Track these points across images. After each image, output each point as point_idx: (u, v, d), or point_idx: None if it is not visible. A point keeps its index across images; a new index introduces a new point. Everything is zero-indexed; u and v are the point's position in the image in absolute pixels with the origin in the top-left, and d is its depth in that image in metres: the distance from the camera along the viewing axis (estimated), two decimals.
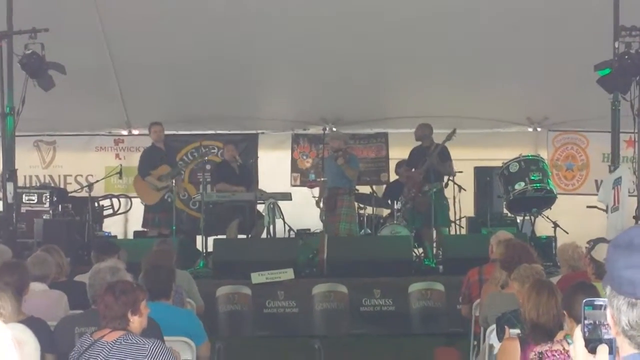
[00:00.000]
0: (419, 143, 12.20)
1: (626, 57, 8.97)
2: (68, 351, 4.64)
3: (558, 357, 4.06)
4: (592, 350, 1.90)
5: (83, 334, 4.76)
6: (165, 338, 5.07)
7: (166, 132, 13.00)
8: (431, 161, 11.62)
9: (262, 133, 14.57)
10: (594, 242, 6.91)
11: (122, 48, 12.17)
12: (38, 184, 13.92)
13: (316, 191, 12.53)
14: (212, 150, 13.15)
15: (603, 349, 1.89)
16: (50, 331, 5.28)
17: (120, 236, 13.26)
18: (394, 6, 11.22)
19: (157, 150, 12.37)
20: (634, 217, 9.07)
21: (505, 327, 5.13)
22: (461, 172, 12.63)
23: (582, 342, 1.92)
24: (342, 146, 11.79)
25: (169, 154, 12.48)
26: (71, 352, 4.56)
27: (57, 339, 5.21)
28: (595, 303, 1.94)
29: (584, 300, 1.95)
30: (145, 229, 12.35)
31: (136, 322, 4.61)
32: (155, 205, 12.07)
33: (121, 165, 13.63)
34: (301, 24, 11.58)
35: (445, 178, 12.06)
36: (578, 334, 1.95)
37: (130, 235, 13.47)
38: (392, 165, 13.99)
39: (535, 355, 4.15)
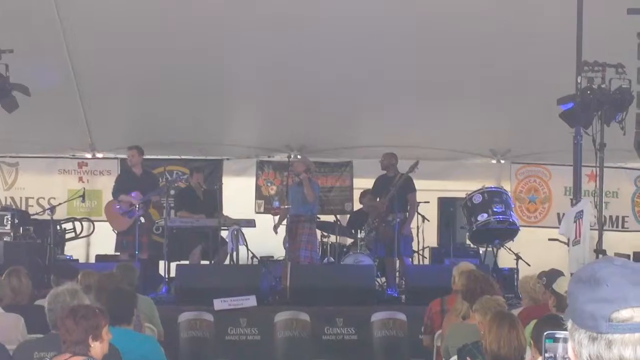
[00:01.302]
0: (384, 172, 12.27)
1: (588, 92, 9.07)
2: None
3: None
4: None
5: (42, 359, 4.70)
6: None
7: None
8: (395, 191, 11.69)
9: (227, 159, 14.56)
10: (547, 275, 6.98)
11: (87, 71, 12.11)
12: None
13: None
14: (183, 177, 13.01)
15: None
16: (8, 355, 5.21)
17: (82, 260, 13.13)
18: (359, 36, 11.30)
19: (130, 175, 12.27)
20: (595, 251, 9.14)
21: (467, 358, 5.15)
22: (427, 202, 12.72)
23: None
24: (304, 169, 11.84)
25: (145, 179, 12.24)
26: None
27: None
28: (557, 336, 1.95)
29: (545, 333, 1.97)
30: (118, 253, 12.20)
31: (97, 348, 4.57)
32: (127, 229, 11.94)
33: (84, 188, 13.52)
34: (267, 50, 11.61)
35: (408, 207, 12.15)
36: None
37: (93, 259, 13.34)
38: (357, 194, 14.03)
39: None
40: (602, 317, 1.82)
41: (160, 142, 13.38)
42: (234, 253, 11.40)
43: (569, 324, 1.92)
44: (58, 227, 12.70)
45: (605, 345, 1.83)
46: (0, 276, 7.37)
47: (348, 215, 14.07)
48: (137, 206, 11.63)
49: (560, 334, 1.94)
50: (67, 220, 13.25)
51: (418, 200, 12.38)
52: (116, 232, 12.13)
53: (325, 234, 12.84)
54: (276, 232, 12.11)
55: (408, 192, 12.02)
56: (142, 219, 11.92)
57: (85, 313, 4.64)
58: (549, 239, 11.57)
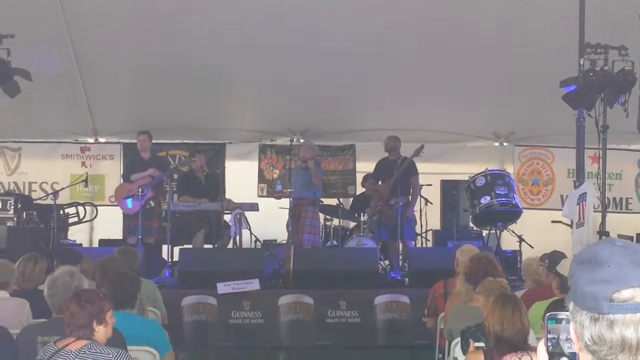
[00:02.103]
0: (385, 155, 12.26)
1: (591, 74, 9.05)
2: None
3: None
4: None
5: (46, 343, 4.71)
6: (130, 348, 5.04)
7: (133, 141, 12.97)
8: (398, 175, 11.68)
9: (230, 143, 14.56)
10: (549, 257, 6.99)
11: (89, 56, 12.09)
12: (2, 191, 13.80)
13: (282, 202, 12.42)
14: (191, 160, 12.84)
15: None
16: (12, 339, 5.22)
17: (85, 244, 13.17)
18: (361, 20, 11.26)
19: (139, 160, 12.24)
20: (597, 233, 9.14)
21: (470, 340, 5.15)
22: (430, 185, 12.71)
23: (546, 356, 1.94)
24: (312, 156, 11.85)
25: (154, 164, 12.15)
26: None
27: (19, 348, 5.15)
28: (559, 317, 1.95)
29: (547, 314, 1.96)
30: (123, 237, 12.16)
31: (101, 332, 4.58)
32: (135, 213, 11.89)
33: (87, 173, 13.56)
34: (269, 35, 11.57)
35: (411, 190, 12.15)
36: (541, 347, 1.96)
37: (96, 244, 13.37)
38: (360, 177, 14.04)
39: None
40: (603, 297, 1.83)
41: (163, 126, 13.36)
42: (237, 237, 11.40)
43: (571, 305, 1.93)
44: (61, 212, 12.72)
45: (606, 326, 1.84)
46: (13, 262, 7.33)
47: (351, 199, 14.07)
48: (141, 190, 11.58)
49: (562, 315, 1.95)
50: (70, 204, 13.27)
51: (421, 183, 12.36)
52: (124, 214, 12.05)
53: (328, 217, 12.84)
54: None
55: (411, 176, 12.00)
56: (152, 203, 11.88)
57: (90, 297, 4.65)
58: (552, 221, 11.56)
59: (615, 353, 1.84)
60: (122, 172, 12.55)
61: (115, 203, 13.38)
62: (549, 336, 1.94)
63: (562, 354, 1.92)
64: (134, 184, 11.88)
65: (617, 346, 1.84)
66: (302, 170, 11.87)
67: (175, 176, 12.93)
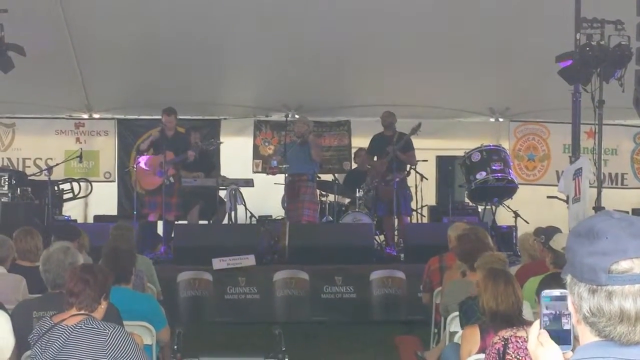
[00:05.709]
0: (380, 131, 12.24)
1: (587, 48, 9.03)
2: (26, 335, 4.58)
3: (521, 344, 4.09)
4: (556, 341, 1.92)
5: (41, 318, 4.70)
6: (125, 323, 5.03)
7: (127, 117, 12.88)
8: (395, 151, 11.65)
9: (225, 119, 14.52)
10: (545, 232, 6.97)
11: (82, 31, 12.01)
12: None
13: (277, 178, 12.34)
14: (220, 142, 12.31)
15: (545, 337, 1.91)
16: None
17: (80, 220, 13.13)
18: None
19: (164, 137, 11.84)
20: (593, 208, 9.14)
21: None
22: (426, 160, 12.69)
23: (537, 333, 1.94)
24: (307, 131, 11.79)
25: (178, 142, 11.82)
26: (29, 336, 4.50)
27: (14, 322, 5.13)
28: (553, 294, 1.95)
29: (543, 292, 1.97)
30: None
31: (103, 307, 4.58)
32: (155, 188, 11.62)
33: (81, 149, 13.51)
34: (264, 9, 11.52)
35: (408, 167, 12.14)
36: (535, 324, 1.96)
37: (91, 220, 13.36)
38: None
39: (499, 339, 4.17)
40: (601, 269, 1.83)
41: (157, 101, 13.27)
42: (232, 212, 11.38)
43: (568, 278, 1.93)
44: (55, 188, 12.69)
45: (605, 297, 1.84)
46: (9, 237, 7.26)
47: (345, 174, 14.05)
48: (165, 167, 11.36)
49: (556, 292, 1.95)
50: (65, 180, 13.24)
51: (417, 158, 12.32)
52: (143, 191, 11.90)
53: (324, 193, 12.83)
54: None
55: (406, 152, 11.96)
56: (172, 179, 11.66)
57: (101, 269, 4.69)
58: (548, 197, 11.57)
59: (613, 324, 1.84)
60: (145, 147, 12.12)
61: (111, 179, 13.40)
62: (547, 311, 1.94)
63: (558, 331, 1.92)
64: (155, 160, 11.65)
65: (615, 317, 1.84)
66: (298, 146, 11.82)
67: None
